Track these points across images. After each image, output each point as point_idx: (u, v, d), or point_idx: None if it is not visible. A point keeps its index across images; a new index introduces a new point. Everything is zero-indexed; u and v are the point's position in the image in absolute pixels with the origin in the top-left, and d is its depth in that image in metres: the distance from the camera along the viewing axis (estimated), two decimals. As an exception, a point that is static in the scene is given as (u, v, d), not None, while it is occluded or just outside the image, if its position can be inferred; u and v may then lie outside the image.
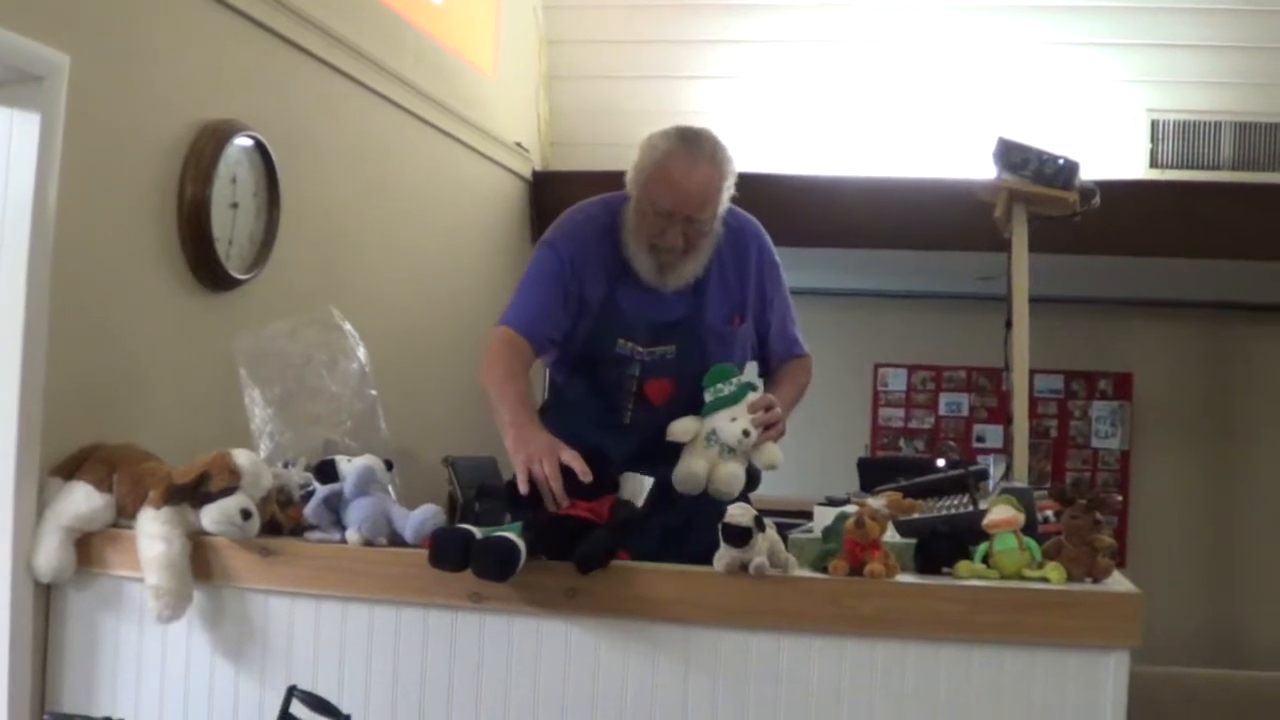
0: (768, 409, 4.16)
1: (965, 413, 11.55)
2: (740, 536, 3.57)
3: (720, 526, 3.60)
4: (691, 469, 4.09)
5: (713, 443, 4.10)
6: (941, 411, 11.60)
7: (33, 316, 3.98)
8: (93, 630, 4.02)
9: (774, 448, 4.15)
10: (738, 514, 3.60)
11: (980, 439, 11.39)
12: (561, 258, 4.50)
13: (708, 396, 4.16)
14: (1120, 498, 11.06)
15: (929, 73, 8.77)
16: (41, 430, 4.02)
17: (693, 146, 4.38)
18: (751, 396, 4.17)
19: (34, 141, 4.01)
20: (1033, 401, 10.63)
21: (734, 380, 4.17)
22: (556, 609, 3.68)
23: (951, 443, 10.67)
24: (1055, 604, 3.52)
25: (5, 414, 3.94)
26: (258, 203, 5.21)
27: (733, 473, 4.07)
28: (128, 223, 4.54)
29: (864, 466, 6.80)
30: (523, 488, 3.85)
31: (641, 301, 4.51)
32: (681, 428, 4.15)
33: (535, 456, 3.88)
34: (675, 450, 4.17)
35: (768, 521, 3.66)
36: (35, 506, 3.99)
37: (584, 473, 3.79)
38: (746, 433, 4.06)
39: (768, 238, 4.71)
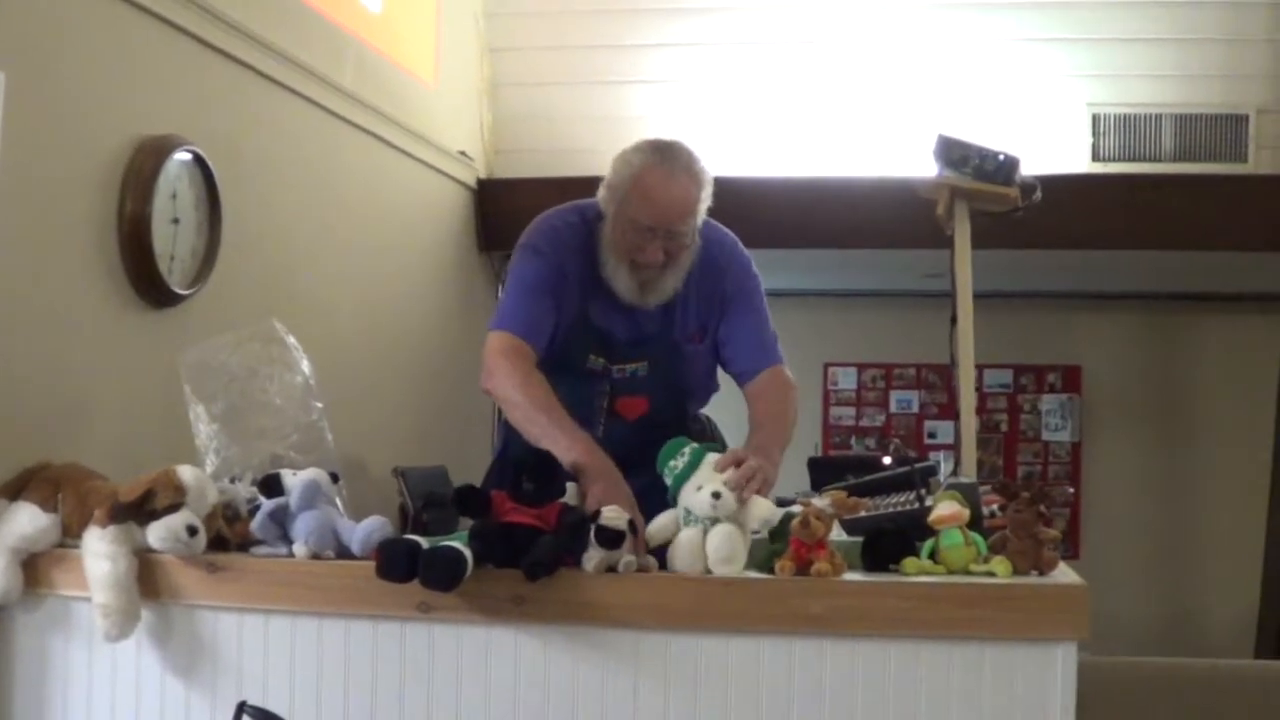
0: (737, 465, 3.78)
1: (916, 409, 11.58)
2: (615, 540, 3.59)
3: (594, 529, 3.60)
4: (680, 555, 3.71)
5: (692, 522, 3.74)
6: (892, 409, 11.63)
7: (-28, 337, 3.97)
8: (42, 651, 3.99)
9: (760, 502, 3.74)
10: (613, 517, 3.62)
11: (932, 435, 11.41)
12: (552, 265, 4.47)
13: (666, 479, 3.81)
14: (1072, 490, 11.13)
15: (869, 71, 8.80)
16: (-15, 452, 4.01)
17: (668, 159, 4.37)
18: (712, 458, 3.81)
19: (-31, 161, 4.00)
20: (982, 397, 10.77)
21: (685, 450, 3.82)
22: (505, 617, 3.66)
23: (897, 440, 10.70)
24: (1002, 598, 3.53)
25: (-52, 436, 3.93)
26: (199, 217, 5.20)
27: (722, 533, 3.67)
28: (67, 240, 4.53)
29: (814, 466, 6.80)
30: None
31: (613, 317, 4.52)
32: (658, 528, 3.80)
33: (608, 503, 3.82)
34: (647, 461, 3.98)
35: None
36: (-20, 528, 3.96)
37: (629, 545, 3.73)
38: (717, 494, 3.67)
39: (744, 253, 4.69)
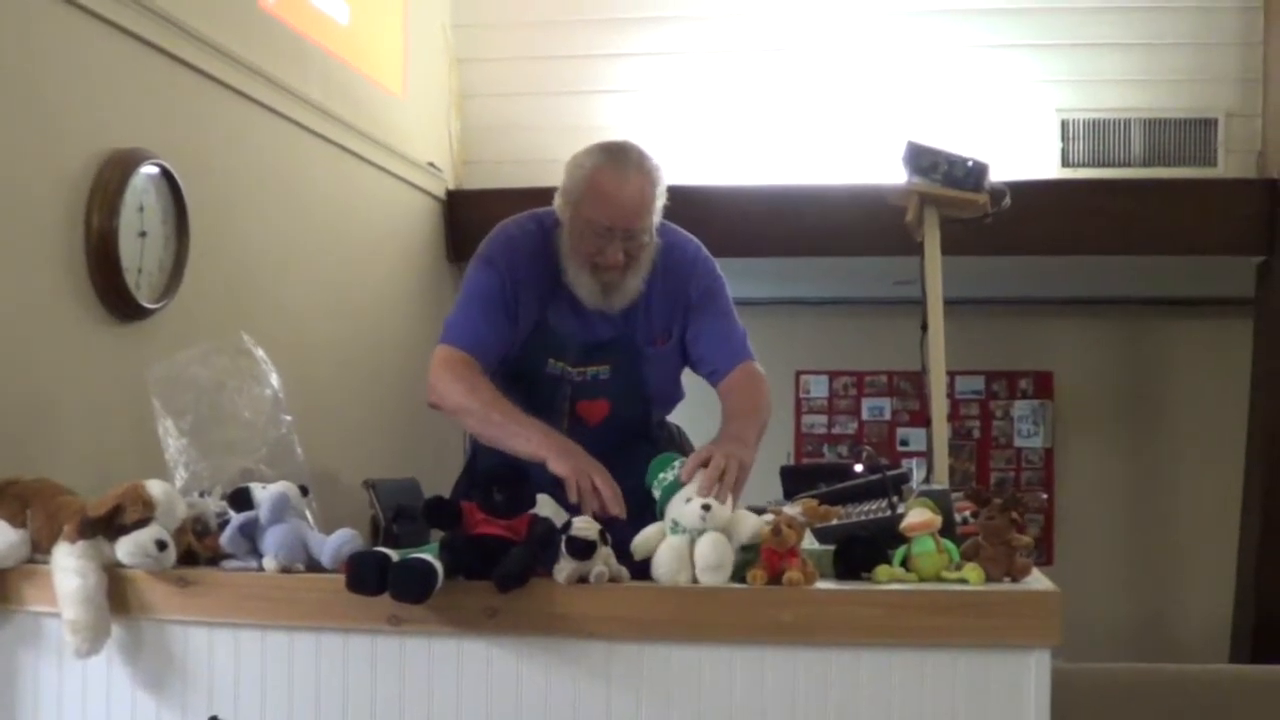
0: (705, 464, 3.82)
1: (888, 417, 11.59)
2: (586, 550, 3.57)
3: (564, 540, 3.58)
4: (664, 563, 3.68)
5: (679, 532, 3.72)
6: (864, 416, 11.62)
7: (-61, 354, 3.95)
8: (12, 668, 3.97)
9: (750, 517, 3.73)
10: (583, 527, 3.61)
11: (904, 442, 11.42)
12: (502, 276, 4.46)
13: (655, 492, 3.84)
14: (1045, 496, 11.13)
15: (838, 78, 8.81)
16: (-48, 469, 3.98)
17: (619, 158, 4.36)
18: (702, 472, 3.79)
19: (-66, 177, 3.98)
20: (954, 403, 10.77)
21: (675, 464, 3.86)
22: (477, 629, 3.65)
23: (869, 447, 10.69)
24: (974, 605, 3.51)
25: (-86, 453, 3.91)
26: (166, 231, 5.19)
27: (710, 541, 3.65)
28: (34, 254, 4.52)
29: (786, 474, 6.79)
30: (572, 496, 3.95)
31: (572, 322, 4.50)
32: (643, 541, 3.76)
33: (583, 470, 3.99)
34: (611, 466, 4.08)
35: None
36: (-52, 546, 3.94)
37: (611, 506, 3.93)
38: (708, 506, 3.68)
39: (707, 255, 4.68)
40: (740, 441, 4.13)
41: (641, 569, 3.74)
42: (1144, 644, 10.90)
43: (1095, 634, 9.86)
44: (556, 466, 4.03)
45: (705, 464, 3.83)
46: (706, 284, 4.61)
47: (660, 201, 4.41)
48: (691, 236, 4.67)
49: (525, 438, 4.15)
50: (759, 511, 3.89)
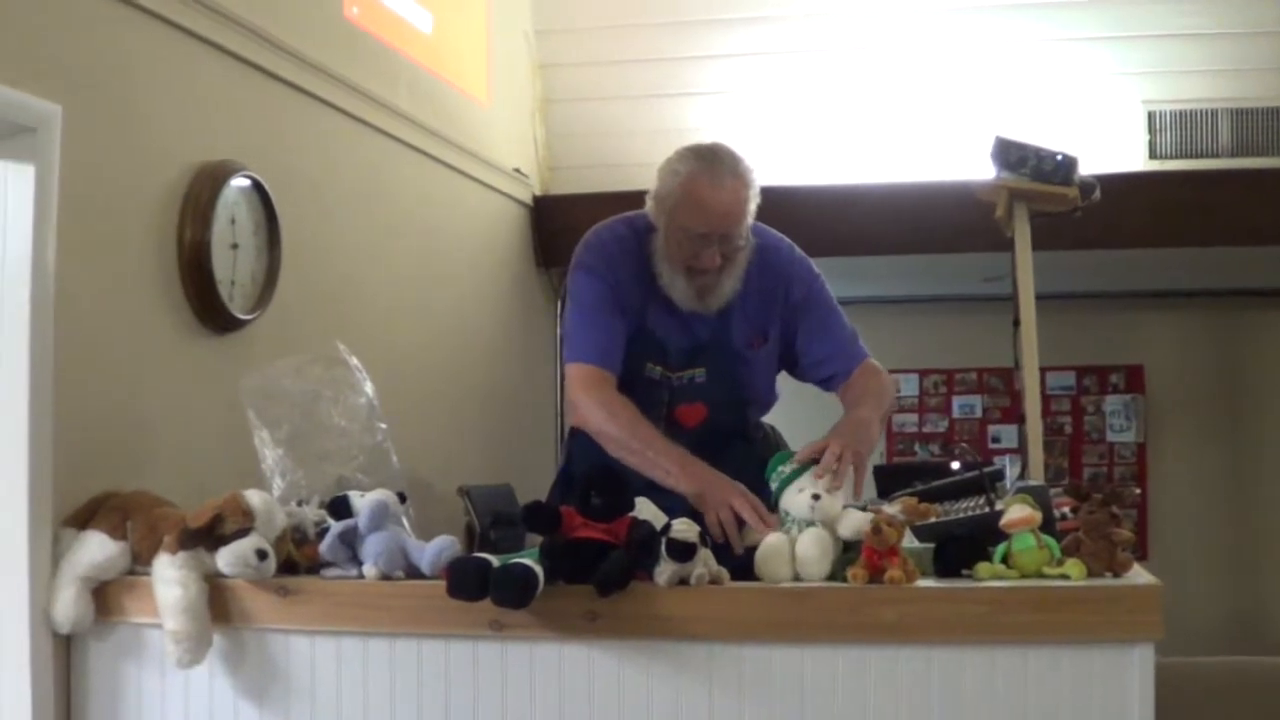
0: (835, 464, 3.88)
1: (979, 414, 11.50)
2: (685, 552, 3.58)
3: (664, 542, 3.59)
4: (766, 559, 3.74)
5: (790, 524, 3.83)
6: (955, 414, 11.55)
7: (38, 368, 3.97)
8: (114, 679, 4.00)
9: (855, 514, 3.77)
10: (683, 530, 3.61)
11: (995, 439, 11.34)
12: (608, 282, 4.48)
13: (773, 484, 3.94)
14: (1138, 490, 11.04)
15: (923, 76, 8.78)
16: (53, 481, 4.01)
17: (714, 164, 4.35)
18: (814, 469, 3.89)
19: (30, 194, 4.00)
20: (1045, 399, 10.66)
21: (794, 460, 3.95)
22: (578, 633, 3.66)
23: (964, 444, 10.62)
24: (1076, 601, 3.50)
25: (16, 467, 3.93)
26: (258, 242, 5.20)
27: (811, 536, 3.73)
28: (129, 269, 4.54)
29: (881, 473, 6.78)
30: (715, 533, 3.95)
31: (669, 325, 4.51)
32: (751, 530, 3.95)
33: (721, 502, 4.00)
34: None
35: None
36: (50, 558, 3.97)
37: (758, 523, 3.92)
38: (817, 496, 3.77)
39: (802, 255, 4.68)
40: (860, 425, 4.23)
41: (743, 567, 3.76)
42: (1241, 637, 10.81)
43: (1192, 628, 9.79)
44: (696, 501, 4.07)
45: (820, 453, 3.90)
46: (807, 283, 4.61)
47: (755, 203, 4.40)
48: (784, 236, 4.66)
49: (663, 469, 4.17)
50: (859, 509, 3.89)
